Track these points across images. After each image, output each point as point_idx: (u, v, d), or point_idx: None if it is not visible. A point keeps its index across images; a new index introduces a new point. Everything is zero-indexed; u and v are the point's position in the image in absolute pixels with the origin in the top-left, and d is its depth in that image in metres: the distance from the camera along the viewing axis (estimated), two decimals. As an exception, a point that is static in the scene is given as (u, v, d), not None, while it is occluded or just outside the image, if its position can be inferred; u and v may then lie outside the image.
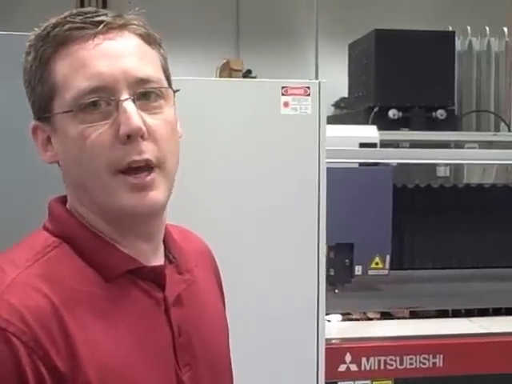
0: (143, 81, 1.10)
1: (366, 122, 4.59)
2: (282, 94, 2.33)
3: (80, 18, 1.10)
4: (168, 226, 1.23)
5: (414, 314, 3.31)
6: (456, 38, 5.30)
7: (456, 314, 3.32)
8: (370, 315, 3.28)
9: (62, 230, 1.13)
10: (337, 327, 3.08)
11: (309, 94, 2.34)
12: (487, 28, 5.67)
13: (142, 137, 1.08)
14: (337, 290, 3.19)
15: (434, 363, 2.87)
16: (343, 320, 3.22)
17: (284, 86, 2.33)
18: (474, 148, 4.69)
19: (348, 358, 2.81)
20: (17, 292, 1.02)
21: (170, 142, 1.13)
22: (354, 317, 3.26)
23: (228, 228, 2.29)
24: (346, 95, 5.98)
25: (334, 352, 2.74)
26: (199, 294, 1.24)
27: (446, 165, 4.79)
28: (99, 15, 1.11)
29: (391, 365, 2.85)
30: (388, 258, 3.12)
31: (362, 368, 2.83)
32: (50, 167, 1.17)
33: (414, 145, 4.48)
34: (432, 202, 3.61)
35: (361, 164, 3.16)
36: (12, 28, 1.96)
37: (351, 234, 3.05)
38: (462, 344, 2.95)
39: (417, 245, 3.58)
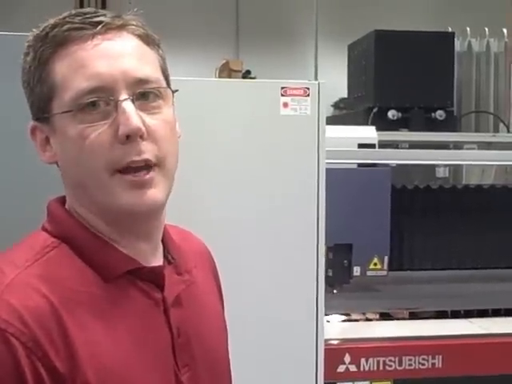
0: (142, 81, 1.10)
1: (365, 123, 4.58)
2: (282, 95, 2.33)
3: (79, 18, 1.10)
4: (167, 227, 1.23)
5: (414, 315, 3.31)
6: (455, 39, 5.29)
7: (455, 314, 3.32)
8: (370, 316, 3.28)
9: (61, 231, 1.13)
10: (336, 328, 3.08)
11: (308, 95, 2.34)
12: (486, 29, 5.67)
13: (142, 137, 1.08)
14: (335, 291, 3.19)
15: (434, 364, 2.87)
16: (342, 321, 3.21)
17: (283, 86, 2.33)
18: (473, 149, 4.69)
19: (347, 358, 2.81)
20: (16, 292, 1.02)
21: (169, 142, 1.13)
22: (353, 317, 3.26)
23: (227, 228, 2.28)
24: (346, 96, 5.97)
25: (333, 353, 2.74)
26: (198, 295, 1.25)
27: (445, 166, 4.79)
28: (98, 16, 1.11)
29: (390, 365, 2.85)
30: (386, 258, 3.12)
31: (361, 369, 2.83)
32: (49, 167, 1.17)
33: (414, 145, 4.47)
34: (431, 203, 3.61)
35: (359, 165, 3.16)
36: (12, 28, 1.96)
37: (350, 234, 3.05)
38: (462, 345, 2.95)
39: (416, 245, 3.58)
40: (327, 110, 2.50)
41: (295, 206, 2.34)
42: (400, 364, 2.85)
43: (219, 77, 7.46)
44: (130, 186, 1.08)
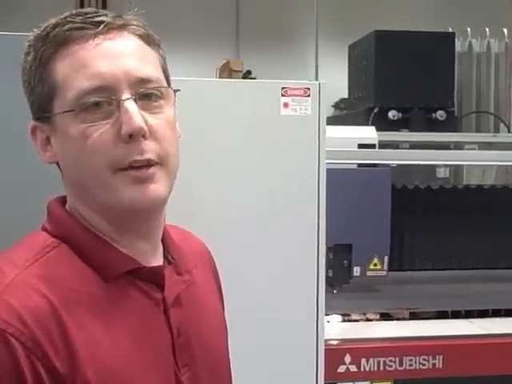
0: (143, 81, 1.11)
1: (365, 123, 4.58)
2: (282, 95, 2.33)
3: (80, 18, 1.10)
4: (167, 227, 1.24)
5: (414, 315, 3.31)
6: (456, 39, 5.30)
7: (456, 315, 3.32)
8: (370, 316, 3.28)
9: (61, 231, 1.13)
10: (336, 328, 3.08)
11: (309, 95, 2.34)
12: (487, 29, 5.67)
13: (144, 136, 1.08)
14: (335, 291, 3.19)
15: (434, 364, 2.87)
16: (343, 321, 3.21)
17: (284, 86, 2.34)
18: (474, 149, 4.69)
19: (347, 358, 2.81)
20: (16, 292, 1.02)
21: (171, 142, 1.13)
22: (353, 318, 3.26)
23: (228, 229, 2.29)
24: (346, 96, 5.97)
25: (334, 353, 2.74)
26: (198, 295, 1.25)
27: (446, 166, 4.79)
28: (99, 15, 1.11)
29: (391, 366, 2.85)
30: (386, 259, 3.12)
31: (362, 369, 2.83)
32: (49, 167, 1.17)
33: (414, 146, 4.47)
34: (432, 203, 3.61)
35: (360, 165, 3.16)
36: (12, 28, 1.96)
37: (350, 234, 3.04)
38: (462, 345, 2.95)
39: (417, 246, 3.57)
40: (327, 111, 2.50)
41: (295, 206, 2.35)
42: (400, 364, 2.85)
43: (220, 77, 7.46)
44: (132, 181, 1.08)
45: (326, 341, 2.45)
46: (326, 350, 2.41)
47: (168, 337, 1.14)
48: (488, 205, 3.63)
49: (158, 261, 1.18)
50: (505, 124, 5.44)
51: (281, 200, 2.34)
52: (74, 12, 1.12)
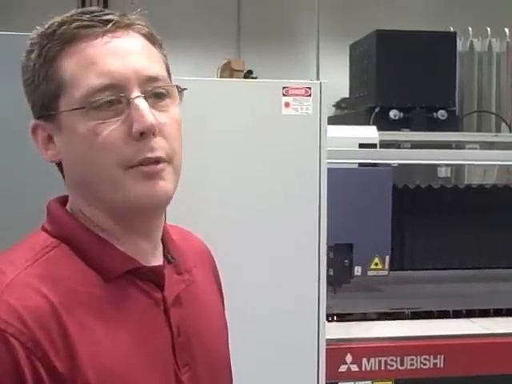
0: (152, 79, 1.11)
1: (367, 123, 4.59)
2: (283, 95, 2.33)
3: (87, 16, 1.10)
4: (167, 227, 1.24)
5: (415, 315, 3.31)
6: (457, 39, 5.30)
7: (457, 314, 3.32)
8: (371, 316, 3.28)
9: (60, 231, 1.13)
10: (337, 328, 3.08)
11: (310, 95, 2.34)
12: (488, 29, 5.67)
13: (154, 134, 1.09)
14: (336, 291, 3.18)
15: (435, 364, 2.87)
16: (344, 320, 3.21)
17: (285, 86, 2.34)
18: (475, 149, 4.69)
19: (349, 358, 2.81)
20: (16, 292, 1.02)
21: (177, 140, 1.14)
22: (354, 317, 3.26)
23: (229, 228, 2.29)
24: (347, 96, 5.98)
25: (335, 352, 2.74)
26: (198, 294, 1.25)
27: (447, 165, 4.79)
28: (107, 14, 1.12)
29: (392, 365, 2.85)
30: (387, 258, 3.11)
31: (363, 368, 2.83)
32: (50, 167, 1.17)
33: (415, 145, 4.47)
34: (433, 203, 3.60)
35: (360, 164, 3.16)
36: (12, 28, 1.96)
37: (351, 234, 3.04)
38: (463, 345, 2.95)
39: (418, 245, 3.57)
40: (329, 110, 2.50)
41: (297, 205, 2.35)
42: (401, 364, 2.85)
43: (221, 76, 7.46)
44: (142, 176, 1.08)
45: (327, 340, 2.45)
46: (327, 349, 2.41)
47: (168, 336, 1.14)
48: (489, 204, 3.63)
49: (157, 260, 1.18)
50: (506, 123, 5.44)
51: (282, 199, 2.34)
52: (79, 10, 1.13)
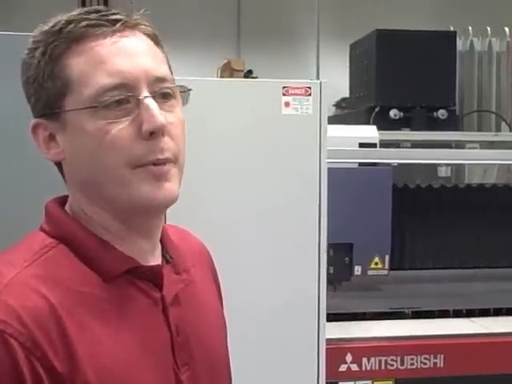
0: (159, 80, 1.12)
1: (367, 122, 4.59)
2: (283, 94, 2.33)
3: (95, 15, 1.10)
4: (165, 226, 1.24)
5: (415, 315, 3.31)
6: (457, 38, 5.30)
7: (457, 314, 3.32)
8: (371, 315, 3.28)
9: (59, 231, 1.12)
10: (337, 327, 3.08)
11: (310, 94, 2.34)
12: (488, 28, 5.67)
13: (162, 133, 1.09)
14: (335, 290, 3.18)
15: (435, 363, 2.87)
16: (344, 320, 3.21)
17: (285, 86, 2.34)
18: (475, 148, 4.69)
19: (349, 358, 2.81)
20: (14, 293, 1.02)
21: (182, 140, 1.15)
22: (354, 317, 3.26)
23: (229, 228, 2.29)
24: (347, 95, 5.98)
25: (335, 352, 2.74)
26: (197, 294, 1.25)
27: (447, 165, 4.79)
28: (114, 14, 1.12)
29: (392, 365, 2.85)
30: (387, 258, 3.11)
31: (363, 368, 2.83)
32: (50, 167, 1.17)
33: (415, 145, 4.47)
34: (433, 202, 3.60)
35: (361, 164, 3.16)
36: (12, 28, 1.96)
37: (350, 234, 3.05)
38: (463, 344, 2.95)
39: (418, 245, 3.57)
40: (329, 110, 2.51)
41: (297, 205, 2.35)
42: (402, 363, 2.86)
43: (221, 76, 7.47)
44: (151, 176, 1.09)
45: (328, 340, 2.45)
46: (327, 349, 2.41)
47: (167, 336, 1.14)
48: (489, 204, 3.63)
49: (156, 260, 1.18)
50: (506, 123, 5.44)
51: (282, 199, 2.34)
52: (85, 9, 1.12)
